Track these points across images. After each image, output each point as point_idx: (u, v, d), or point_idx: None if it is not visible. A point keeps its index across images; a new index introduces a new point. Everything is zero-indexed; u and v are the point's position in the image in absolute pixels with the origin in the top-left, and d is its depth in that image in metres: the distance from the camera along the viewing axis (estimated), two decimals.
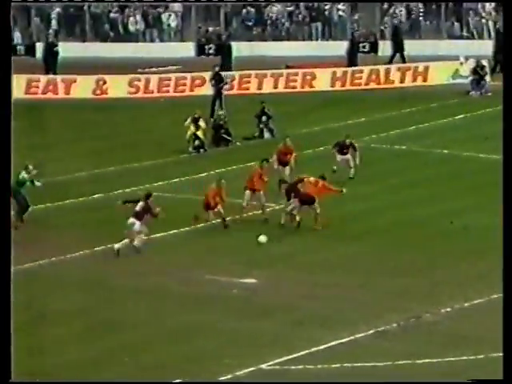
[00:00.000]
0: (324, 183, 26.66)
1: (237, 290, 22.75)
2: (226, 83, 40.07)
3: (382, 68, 44.32)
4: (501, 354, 19.01)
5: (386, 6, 50.01)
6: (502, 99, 15.14)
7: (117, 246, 24.68)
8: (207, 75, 43.55)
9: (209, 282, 23.24)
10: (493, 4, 48.88)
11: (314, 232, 25.80)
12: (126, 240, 24.77)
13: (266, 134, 36.37)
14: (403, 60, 45.38)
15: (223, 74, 40.36)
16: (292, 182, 27.35)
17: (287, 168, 29.89)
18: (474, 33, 49.51)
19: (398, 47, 45.85)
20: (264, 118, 36.29)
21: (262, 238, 24.93)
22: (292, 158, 30.19)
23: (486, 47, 46.36)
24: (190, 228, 26.76)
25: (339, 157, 30.53)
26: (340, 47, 47.00)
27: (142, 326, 21.09)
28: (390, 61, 45.45)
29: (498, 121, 39.13)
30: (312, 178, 26.75)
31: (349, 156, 30.56)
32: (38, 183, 27.70)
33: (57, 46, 45.44)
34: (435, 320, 20.70)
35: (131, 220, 24.84)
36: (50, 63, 44.41)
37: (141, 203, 25.03)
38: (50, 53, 44.97)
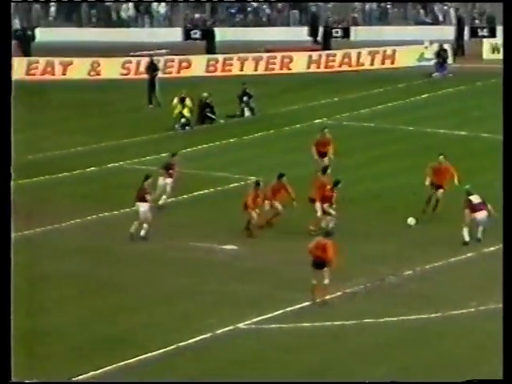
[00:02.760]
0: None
1: (219, 256, 22.74)
2: (159, 71, 39.30)
3: (353, 52, 44.20)
4: (457, 312, 19.22)
5: None
6: (503, 96, 14.16)
7: None
8: (194, 58, 43.47)
9: (193, 248, 23.22)
10: None
11: (293, 204, 25.58)
12: None
13: (247, 113, 36.27)
14: None
15: (156, 62, 39.70)
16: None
17: (326, 159, 27.57)
18: (439, 18, 49.37)
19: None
20: (245, 98, 36.17)
21: (411, 221, 23.16)
22: (331, 148, 27.91)
23: (448, 32, 46.29)
24: (176, 199, 26.72)
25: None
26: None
27: (133, 288, 21.09)
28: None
29: (459, 100, 39.31)
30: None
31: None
32: None
33: (31, 30, 45.40)
34: (398, 282, 20.75)
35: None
36: (25, 46, 44.34)
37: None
38: (25, 37, 45.00)
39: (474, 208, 22.70)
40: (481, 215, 22.70)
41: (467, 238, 22.70)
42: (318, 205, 23.62)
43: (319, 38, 46.80)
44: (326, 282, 19.48)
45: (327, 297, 19.75)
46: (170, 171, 25.75)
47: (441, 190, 24.53)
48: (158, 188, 25.12)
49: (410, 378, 16.80)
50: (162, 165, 26.28)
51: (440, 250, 22.43)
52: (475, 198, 22.84)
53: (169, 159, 26.46)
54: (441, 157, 24.93)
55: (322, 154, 28.01)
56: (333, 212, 23.60)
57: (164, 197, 25.69)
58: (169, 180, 25.65)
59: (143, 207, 23.33)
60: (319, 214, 23.57)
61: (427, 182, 24.73)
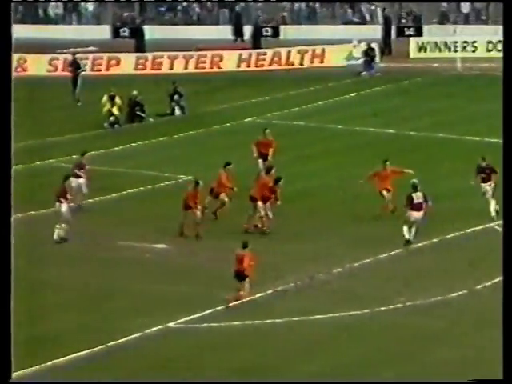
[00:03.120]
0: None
1: (149, 255, 22.59)
2: (83, 70, 38.97)
3: (283, 50, 44.34)
4: (385, 308, 19.44)
5: None
6: (503, 95, 13.35)
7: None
8: (122, 56, 43.18)
9: (123, 247, 23.02)
10: None
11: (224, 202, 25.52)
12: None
13: (178, 112, 36.11)
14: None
15: (79, 60, 39.30)
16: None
17: (266, 163, 26.41)
18: (366, 18, 49.83)
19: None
20: (176, 97, 36.01)
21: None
22: (271, 151, 26.91)
23: (375, 31, 46.77)
24: (105, 198, 26.47)
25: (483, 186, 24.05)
26: (245, 32, 46.98)
27: (60, 288, 20.84)
28: None
29: (386, 98, 39.74)
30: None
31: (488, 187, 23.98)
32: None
33: None
34: (327, 279, 20.88)
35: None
36: None
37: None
38: None
39: (413, 207, 22.55)
40: (417, 215, 22.52)
41: (407, 236, 22.59)
42: (260, 204, 23.56)
43: (246, 37, 46.86)
44: (242, 293, 19.57)
45: (241, 300, 19.64)
46: (81, 171, 25.28)
47: (389, 193, 24.27)
48: (73, 189, 24.64)
49: (341, 375, 16.93)
50: (73, 165, 25.86)
51: (369, 247, 22.62)
52: (417, 197, 22.52)
53: (79, 158, 26.06)
54: (387, 163, 24.85)
55: (264, 156, 27.30)
56: (270, 215, 23.61)
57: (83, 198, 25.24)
58: (81, 180, 25.24)
59: (64, 207, 23.02)
60: (262, 213, 23.57)
61: (363, 180, 24.77)
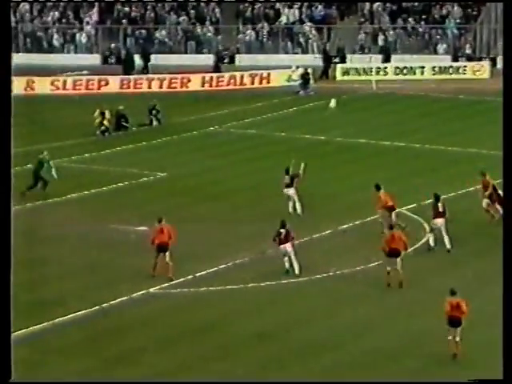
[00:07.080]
0: None
1: (134, 236, 22.42)
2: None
3: (238, 74, 44.37)
4: (320, 276, 19.56)
5: (241, 28, 50.04)
6: (503, 102, 11.90)
7: None
8: (110, 78, 42.88)
9: (112, 230, 22.81)
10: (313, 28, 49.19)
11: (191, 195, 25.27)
12: None
13: (155, 122, 35.92)
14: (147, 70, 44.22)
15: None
16: None
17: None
18: (303, 48, 49.85)
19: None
20: (154, 111, 35.88)
21: (332, 103, 21.21)
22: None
23: (310, 59, 46.89)
24: (97, 190, 26.23)
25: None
26: (209, 59, 46.92)
27: (62, 261, 20.57)
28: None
29: (318, 112, 39.77)
30: None
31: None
32: (54, 173, 25.47)
33: None
34: (277, 255, 20.90)
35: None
36: None
37: None
38: None
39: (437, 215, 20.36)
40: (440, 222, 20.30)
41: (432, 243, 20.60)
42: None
43: (212, 63, 46.41)
44: (168, 260, 19.30)
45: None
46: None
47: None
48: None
49: (286, 329, 16.99)
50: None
51: (304, 228, 22.65)
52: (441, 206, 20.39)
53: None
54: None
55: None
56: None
57: None
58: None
59: None
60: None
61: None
